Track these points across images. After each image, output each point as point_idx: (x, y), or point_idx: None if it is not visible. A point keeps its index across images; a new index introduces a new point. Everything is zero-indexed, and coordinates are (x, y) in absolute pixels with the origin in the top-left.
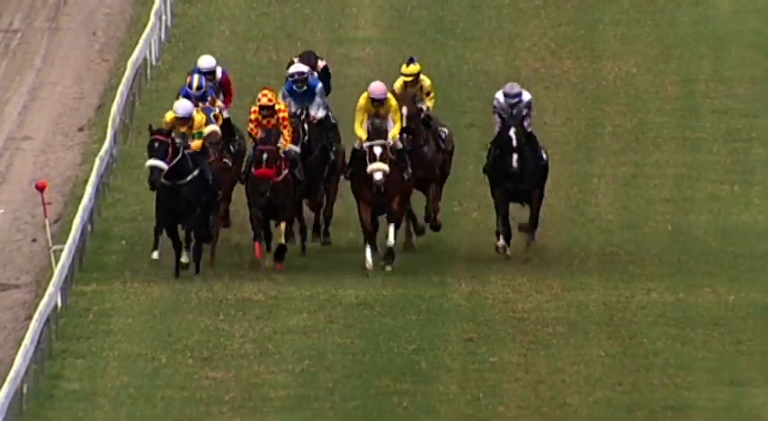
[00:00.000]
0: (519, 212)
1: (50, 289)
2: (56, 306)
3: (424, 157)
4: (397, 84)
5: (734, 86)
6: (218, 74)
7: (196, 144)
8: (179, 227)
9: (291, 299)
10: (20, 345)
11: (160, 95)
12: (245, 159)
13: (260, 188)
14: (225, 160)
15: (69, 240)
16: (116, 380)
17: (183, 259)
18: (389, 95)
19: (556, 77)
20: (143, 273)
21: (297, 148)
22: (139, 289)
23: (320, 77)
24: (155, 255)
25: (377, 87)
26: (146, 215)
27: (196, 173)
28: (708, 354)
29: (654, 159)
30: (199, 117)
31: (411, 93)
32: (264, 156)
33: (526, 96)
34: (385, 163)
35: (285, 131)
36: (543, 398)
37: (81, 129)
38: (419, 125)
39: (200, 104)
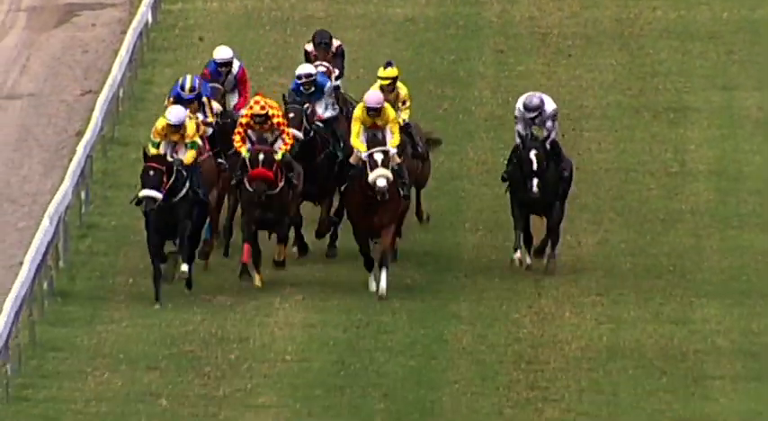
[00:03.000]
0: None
1: (142, 8)
2: (147, 22)
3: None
4: (374, 89)
5: None
6: (235, 67)
7: (189, 156)
8: (165, 245)
9: (347, 17)
10: (116, 56)
11: None
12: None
13: (257, 190)
14: (221, 161)
15: None
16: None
17: (184, 267)
18: (387, 105)
19: None
20: None
21: (299, 134)
22: (218, 7)
23: (335, 57)
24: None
25: (372, 96)
26: None
27: (187, 187)
28: (704, 63)
29: None
30: (191, 125)
31: (389, 99)
32: (261, 156)
33: (550, 107)
34: (387, 169)
35: (285, 136)
36: (564, 100)
37: None
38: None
39: (192, 106)
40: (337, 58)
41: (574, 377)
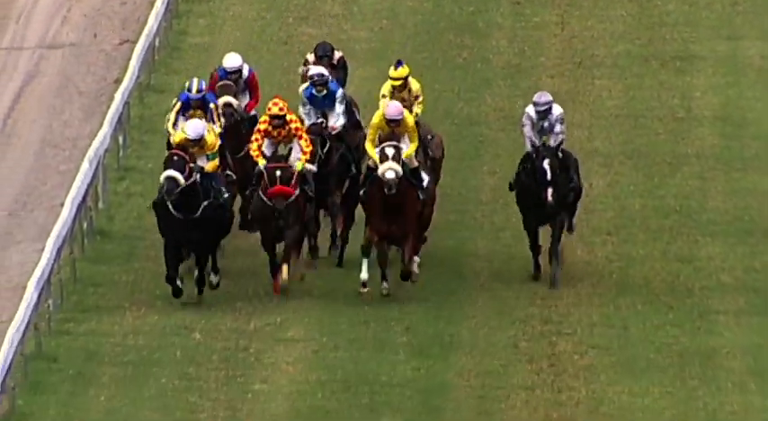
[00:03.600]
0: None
1: None
2: None
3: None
4: (385, 89)
5: None
6: (245, 73)
7: (210, 166)
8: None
9: None
10: (153, 7)
11: None
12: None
13: (277, 206)
14: (228, 173)
15: None
16: (230, 36)
17: (213, 278)
18: (406, 114)
19: None
20: None
21: (313, 167)
22: None
23: (336, 69)
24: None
25: (392, 108)
26: None
27: (207, 203)
28: (710, 14)
29: None
30: (210, 137)
31: (400, 98)
32: (278, 173)
33: (557, 110)
34: (397, 163)
35: (302, 142)
36: (576, 50)
37: None
38: None
39: (200, 111)
40: (338, 70)
41: (586, 312)
